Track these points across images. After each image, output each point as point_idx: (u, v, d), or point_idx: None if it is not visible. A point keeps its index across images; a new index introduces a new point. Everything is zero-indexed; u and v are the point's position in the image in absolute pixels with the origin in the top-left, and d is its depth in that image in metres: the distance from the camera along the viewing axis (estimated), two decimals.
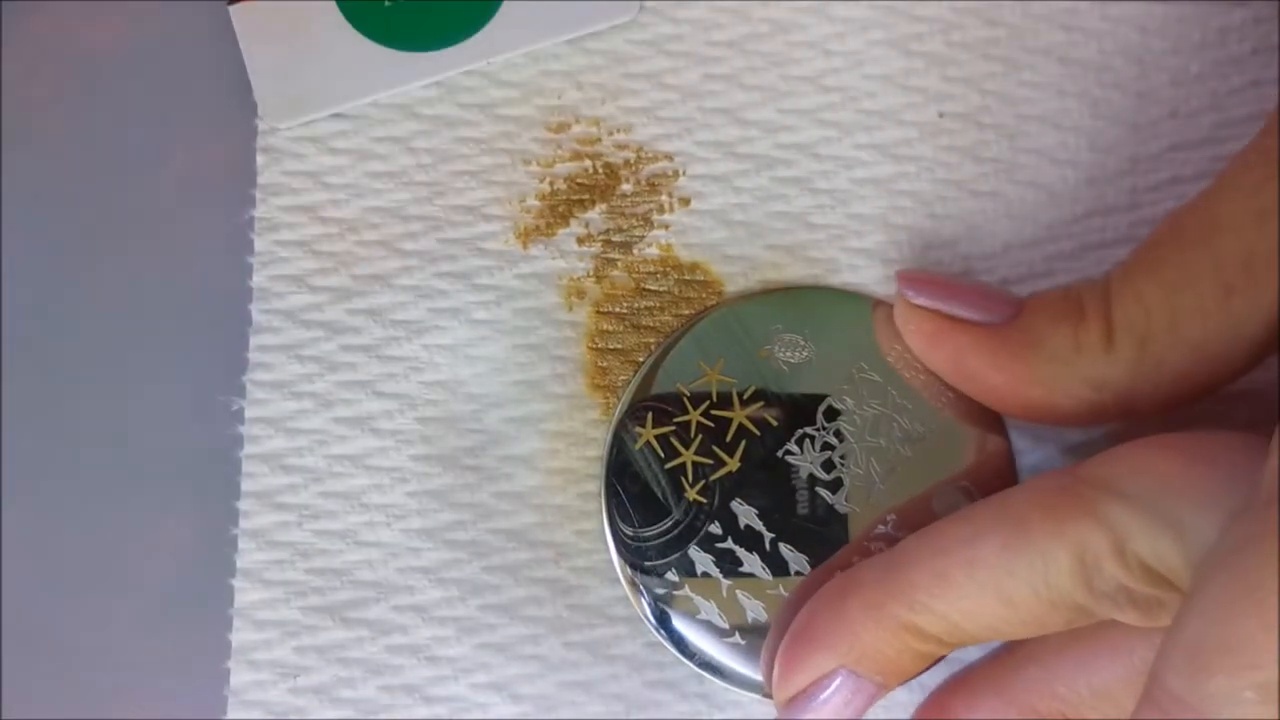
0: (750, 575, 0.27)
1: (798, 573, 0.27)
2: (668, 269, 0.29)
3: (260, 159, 0.29)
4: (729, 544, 0.27)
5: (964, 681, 0.26)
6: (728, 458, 0.27)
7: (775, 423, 0.28)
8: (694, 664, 0.27)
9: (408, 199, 0.29)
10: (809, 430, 0.27)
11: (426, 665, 0.28)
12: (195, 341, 0.29)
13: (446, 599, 0.28)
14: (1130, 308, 0.24)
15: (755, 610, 0.27)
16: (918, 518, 0.27)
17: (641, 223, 0.29)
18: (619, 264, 0.29)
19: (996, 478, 0.27)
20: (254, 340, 0.29)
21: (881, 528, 0.27)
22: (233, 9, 0.29)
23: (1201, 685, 0.19)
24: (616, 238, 0.29)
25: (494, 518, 0.28)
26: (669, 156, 0.29)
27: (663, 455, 0.27)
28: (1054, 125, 0.29)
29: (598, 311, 0.29)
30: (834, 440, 0.27)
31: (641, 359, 0.29)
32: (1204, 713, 0.19)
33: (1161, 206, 0.29)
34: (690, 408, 0.28)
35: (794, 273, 0.29)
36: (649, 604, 0.27)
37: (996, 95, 0.29)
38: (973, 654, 0.27)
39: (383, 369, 0.29)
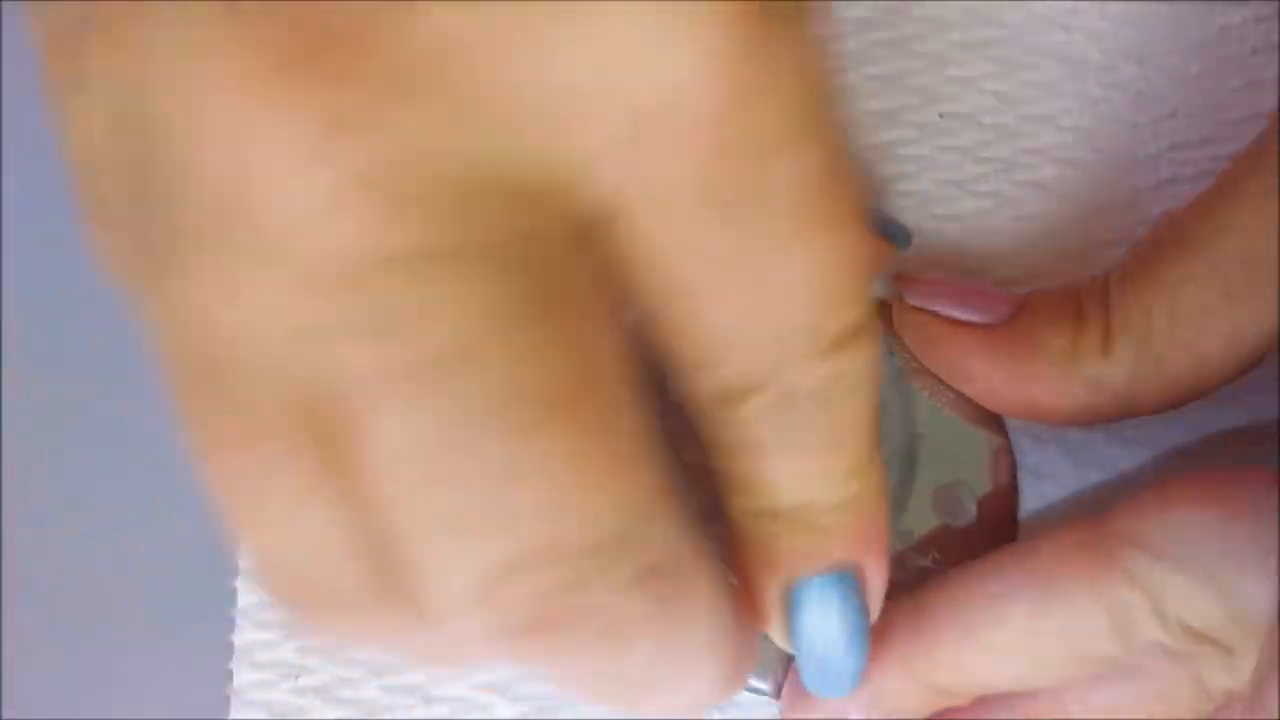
0: None
1: None
2: None
3: None
4: None
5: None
6: None
7: None
8: None
9: None
10: None
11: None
12: None
13: None
14: (1130, 309, 0.24)
15: None
16: (918, 518, 0.27)
17: None
18: None
19: (997, 478, 0.27)
20: None
21: None
22: None
23: None
24: None
25: None
26: None
27: None
28: (1054, 125, 0.29)
29: None
30: None
31: None
32: None
33: (1161, 206, 0.29)
34: None
35: None
36: None
37: (996, 95, 0.29)
38: None
39: None
